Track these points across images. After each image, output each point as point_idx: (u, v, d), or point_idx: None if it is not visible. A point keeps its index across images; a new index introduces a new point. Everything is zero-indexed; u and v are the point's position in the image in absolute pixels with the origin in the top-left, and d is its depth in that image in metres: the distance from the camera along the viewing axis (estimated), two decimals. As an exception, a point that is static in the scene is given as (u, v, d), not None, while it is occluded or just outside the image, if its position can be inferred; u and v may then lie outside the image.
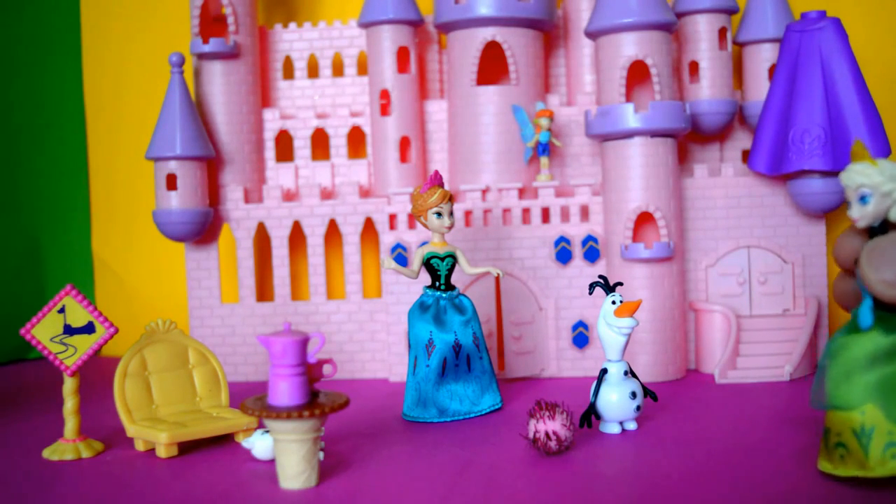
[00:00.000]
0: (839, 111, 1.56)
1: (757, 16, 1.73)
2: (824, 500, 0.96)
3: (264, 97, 1.88)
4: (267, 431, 1.17)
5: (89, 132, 2.17)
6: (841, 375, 1.00)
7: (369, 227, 1.78)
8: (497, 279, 1.66)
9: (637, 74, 1.65)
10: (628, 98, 1.64)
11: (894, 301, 0.99)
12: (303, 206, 1.76)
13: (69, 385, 1.24)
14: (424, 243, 1.47)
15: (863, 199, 1.02)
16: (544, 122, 1.70)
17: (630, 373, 1.28)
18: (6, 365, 2.07)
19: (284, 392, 1.03)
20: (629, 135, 1.60)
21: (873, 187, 1.01)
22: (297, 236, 1.82)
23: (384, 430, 1.33)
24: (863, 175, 1.02)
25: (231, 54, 1.78)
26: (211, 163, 1.79)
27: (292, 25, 1.88)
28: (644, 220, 1.63)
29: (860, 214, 1.02)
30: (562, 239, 1.67)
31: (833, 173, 1.56)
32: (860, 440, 0.98)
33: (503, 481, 1.06)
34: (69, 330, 1.23)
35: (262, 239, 1.90)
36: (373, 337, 1.75)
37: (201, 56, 1.79)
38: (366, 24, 1.78)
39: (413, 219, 1.67)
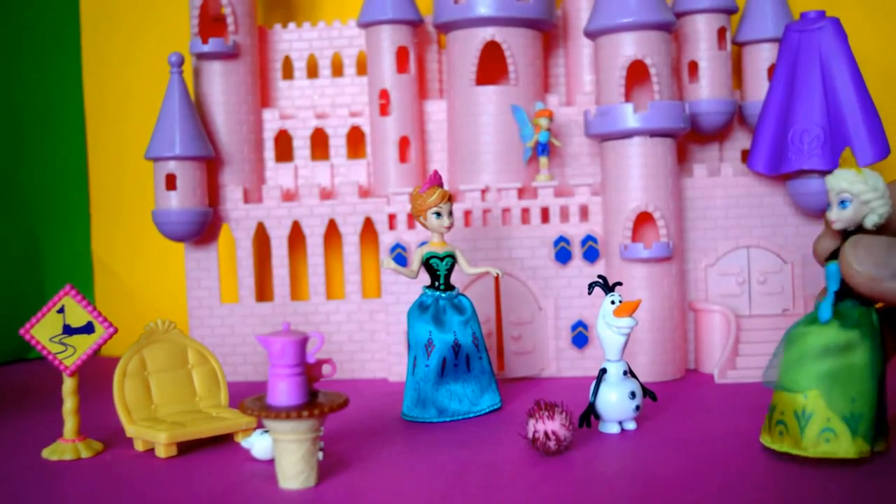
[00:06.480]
0: (838, 111, 1.56)
1: (756, 16, 1.73)
2: (824, 499, 0.96)
3: (264, 97, 1.88)
4: (266, 431, 1.17)
5: (89, 132, 2.17)
6: (794, 360, 1.09)
7: (369, 227, 1.78)
8: (496, 279, 1.66)
9: (636, 74, 1.65)
10: (628, 98, 1.64)
11: (870, 294, 1.05)
12: (302, 206, 1.76)
13: (68, 385, 1.24)
14: (424, 243, 1.47)
15: (843, 204, 1.08)
16: (544, 121, 1.70)
17: (629, 373, 1.28)
18: (6, 365, 2.07)
19: (284, 392, 1.03)
20: (628, 135, 1.60)
21: (855, 195, 1.07)
22: (296, 236, 1.82)
23: (383, 430, 1.33)
24: (847, 181, 1.07)
25: (230, 54, 1.78)
26: (210, 163, 1.78)
27: (291, 25, 1.89)
28: (643, 220, 1.63)
29: (837, 217, 1.08)
30: (561, 239, 1.67)
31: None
32: (799, 422, 1.07)
33: (502, 481, 1.06)
34: (68, 330, 1.23)
35: (262, 239, 1.89)
36: (372, 337, 1.75)
37: (201, 56, 1.79)
38: (365, 24, 1.78)
39: (412, 219, 1.67)
